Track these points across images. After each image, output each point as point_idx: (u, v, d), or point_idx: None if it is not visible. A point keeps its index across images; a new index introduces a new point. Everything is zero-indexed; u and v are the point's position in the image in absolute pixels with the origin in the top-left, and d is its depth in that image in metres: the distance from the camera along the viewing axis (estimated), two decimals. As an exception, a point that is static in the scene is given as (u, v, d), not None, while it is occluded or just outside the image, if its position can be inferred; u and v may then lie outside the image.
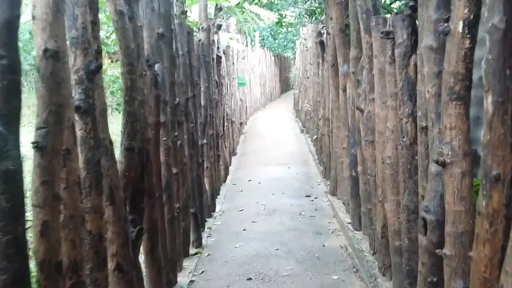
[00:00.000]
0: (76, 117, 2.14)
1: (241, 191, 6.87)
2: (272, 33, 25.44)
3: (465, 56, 2.23)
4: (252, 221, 5.37)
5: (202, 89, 5.67)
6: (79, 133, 2.18)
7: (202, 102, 5.63)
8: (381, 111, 3.54)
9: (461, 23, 2.21)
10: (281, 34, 25.51)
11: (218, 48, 7.50)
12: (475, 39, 2.23)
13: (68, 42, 2.13)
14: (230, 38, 9.56)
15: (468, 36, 2.20)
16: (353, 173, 4.83)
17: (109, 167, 2.47)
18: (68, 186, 1.99)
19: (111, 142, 2.52)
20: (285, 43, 26.02)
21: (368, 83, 3.92)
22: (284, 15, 12.95)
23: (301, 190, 6.73)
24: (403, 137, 3.04)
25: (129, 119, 2.80)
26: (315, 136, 9.36)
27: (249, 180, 7.46)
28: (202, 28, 6.01)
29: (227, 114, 8.56)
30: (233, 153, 9.65)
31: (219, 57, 7.40)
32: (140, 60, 2.95)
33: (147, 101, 3.14)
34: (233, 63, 10.07)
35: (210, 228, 5.23)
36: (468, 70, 2.26)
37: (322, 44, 8.12)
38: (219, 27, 7.25)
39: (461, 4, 2.20)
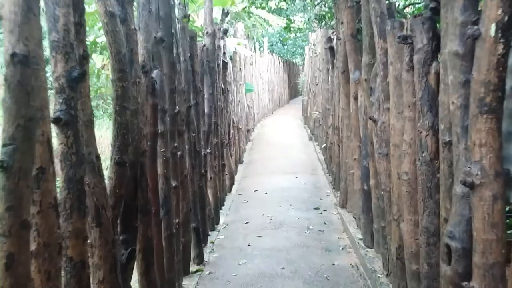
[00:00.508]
0: (56, 130, 1.90)
1: (247, 202, 6.60)
2: (281, 38, 25.24)
3: (498, 64, 1.96)
4: (257, 236, 5.09)
5: (205, 96, 5.43)
6: (59, 148, 1.93)
7: (206, 110, 5.39)
8: (397, 122, 3.26)
9: (493, 26, 1.94)
10: (290, 40, 25.30)
11: (224, 53, 7.27)
12: (510, 43, 1.96)
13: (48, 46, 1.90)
14: (238, 44, 9.34)
15: (501, 40, 1.93)
16: (365, 187, 4.54)
17: (95, 185, 2.22)
18: (42, 210, 1.74)
19: (98, 157, 2.27)
20: (294, 49, 25.77)
21: (383, 91, 3.64)
22: (292, 20, 12.71)
23: (309, 202, 6.45)
24: (423, 152, 2.75)
25: (120, 130, 2.55)
26: (324, 145, 9.08)
27: (255, 190, 7.20)
28: (207, 33, 5.78)
29: (233, 121, 8.32)
30: (239, 161, 9.39)
31: (225, 63, 7.16)
32: (133, 66, 2.70)
33: (142, 110, 2.89)
34: (240, 69, 9.85)
35: (213, 243, 4.97)
36: (501, 79, 1.99)
37: (332, 50, 7.86)
38: (225, 32, 7.02)
39: (493, 4, 1.93)
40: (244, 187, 7.55)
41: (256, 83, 15.27)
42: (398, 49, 3.25)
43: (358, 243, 4.61)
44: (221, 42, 6.97)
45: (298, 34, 13.44)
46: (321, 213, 5.92)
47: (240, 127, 9.69)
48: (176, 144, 3.85)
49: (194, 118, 4.72)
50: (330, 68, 8.18)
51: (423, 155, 2.76)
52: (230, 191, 7.20)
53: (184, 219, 4.10)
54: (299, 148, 11.05)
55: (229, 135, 7.59)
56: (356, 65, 4.98)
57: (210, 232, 5.27)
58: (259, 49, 17.43)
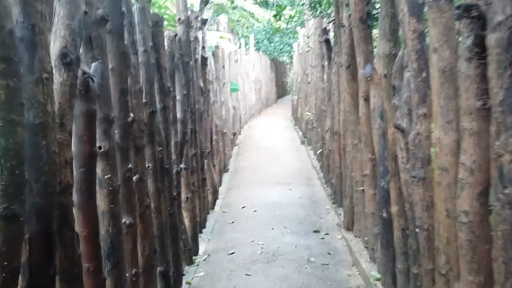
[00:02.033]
0: None
1: (233, 222, 5.55)
2: (267, 36, 24.21)
3: None
4: (246, 274, 4.04)
5: (178, 98, 4.35)
6: None
7: (179, 115, 4.31)
8: (446, 135, 2.25)
9: None
10: (278, 35, 24.29)
11: (203, 47, 6.21)
12: None
13: None
14: (220, 37, 8.27)
15: None
16: (384, 214, 3.52)
17: None
18: None
19: None
20: (281, 46, 24.80)
21: (417, 90, 2.62)
22: (283, 7, 11.60)
23: (307, 223, 5.41)
24: (504, 187, 1.74)
25: (5, 162, 1.49)
26: (320, 150, 8.06)
27: (242, 207, 6.14)
28: (180, 20, 4.71)
29: (216, 125, 7.25)
30: (224, 169, 8.33)
31: (204, 58, 6.09)
32: (36, 53, 1.64)
33: (60, 123, 1.84)
34: (224, 66, 8.78)
35: (190, 284, 3.91)
36: None
37: (328, 43, 6.85)
38: (204, 22, 5.96)
39: None
40: (229, 202, 6.49)
41: (242, 82, 14.21)
42: (446, 29, 2.25)
43: (375, 285, 3.59)
44: (199, 34, 5.90)
45: (289, 25, 12.32)
46: (323, 238, 4.89)
47: (225, 131, 8.62)
48: (130, 166, 2.78)
49: (161, 127, 3.66)
50: (326, 64, 7.16)
51: (505, 191, 1.74)
52: (213, 208, 6.14)
53: (145, 265, 3.03)
54: (291, 154, 10.02)
55: (211, 142, 6.53)
56: (367, 58, 3.97)
57: (186, 268, 4.21)
58: (245, 46, 16.38)
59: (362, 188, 4.40)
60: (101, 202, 2.47)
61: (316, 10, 6.89)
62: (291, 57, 24.47)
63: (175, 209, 3.88)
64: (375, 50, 4.03)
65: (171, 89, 3.94)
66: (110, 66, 2.64)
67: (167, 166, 3.69)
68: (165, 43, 4.08)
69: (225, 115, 8.85)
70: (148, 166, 3.30)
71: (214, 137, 6.87)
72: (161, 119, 3.72)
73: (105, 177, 2.46)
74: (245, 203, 6.29)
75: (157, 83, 3.67)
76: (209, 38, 7.58)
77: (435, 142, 2.38)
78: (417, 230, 2.74)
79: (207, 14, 9.74)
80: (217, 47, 8.07)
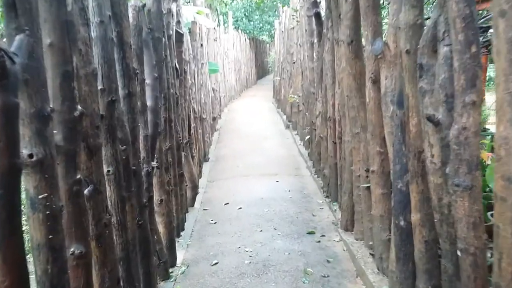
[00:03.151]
0: None
1: (215, 223, 4.88)
2: (247, 14, 23.31)
3: None
4: (233, 292, 3.40)
5: (148, 82, 3.61)
6: None
7: (149, 103, 3.57)
8: (518, 134, 1.61)
9: None
10: (257, 15, 23.41)
11: (178, 22, 5.43)
12: None
13: None
14: (197, 13, 7.45)
15: None
16: (401, 222, 2.90)
17: None
18: None
19: None
20: (261, 25, 23.96)
21: (463, 71, 1.96)
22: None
23: (299, 222, 4.78)
24: None
25: None
26: (308, 137, 7.42)
27: (225, 204, 5.47)
28: (148, -14, 3.93)
29: (194, 111, 6.51)
30: (204, 158, 7.63)
31: (180, 35, 5.32)
32: None
33: None
34: (202, 44, 7.98)
35: (166, 306, 3.25)
36: None
37: (318, 17, 6.16)
38: (179, -9, 5.16)
39: None
40: (210, 197, 5.81)
41: (222, 62, 13.41)
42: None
43: (389, 305, 3.00)
44: (173, 6, 5.11)
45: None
46: (319, 241, 4.27)
47: (204, 116, 7.88)
48: (79, 176, 2.06)
49: (125, 119, 2.93)
50: (315, 41, 6.46)
51: None
52: (192, 205, 5.46)
53: (106, 300, 2.35)
54: (276, 139, 9.36)
55: (190, 131, 5.80)
56: (377, 31, 3.29)
57: (161, 284, 3.55)
58: (224, 25, 15.51)
59: (367, 185, 3.78)
60: (36, 232, 1.78)
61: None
62: (271, 36, 23.69)
63: (145, 218, 3.18)
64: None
65: (137, 71, 3.19)
66: (47, 41, 1.92)
67: (134, 168, 2.98)
68: (130, 14, 3.32)
69: (204, 99, 8.10)
70: (109, 171, 2.59)
71: (193, 124, 6.14)
72: (125, 109, 2.99)
73: (40, 196, 1.76)
74: (228, 199, 5.62)
75: (119, 64, 2.93)
76: (185, 12, 6.77)
77: (496, 142, 1.74)
78: (458, 253, 2.12)
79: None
80: (194, 22, 7.27)
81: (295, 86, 9.48)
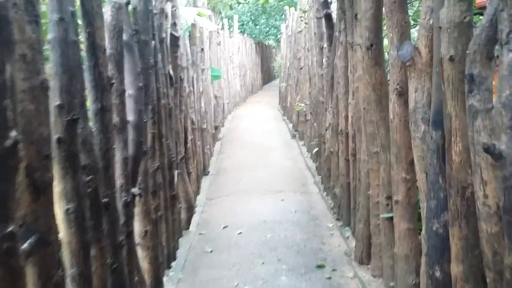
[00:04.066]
0: None
1: (211, 251, 4.30)
2: (253, 18, 22.82)
3: None
4: None
5: (130, 92, 3.05)
6: None
7: (130, 118, 3.01)
8: None
9: None
10: (263, 19, 22.92)
11: (174, 24, 4.89)
12: None
13: None
14: (198, 15, 6.90)
15: None
16: (437, 272, 2.31)
17: None
18: None
19: None
20: (267, 29, 23.46)
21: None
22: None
23: (307, 251, 4.19)
24: None
25: None
26: (316, 149, 6.85)
27: (224, 227, 4.89)
28: (134, -19, 3.39)
29: (192, 122, 5.96)
30: (204, 172, 7.07)
31: (175, 38, 4.78)
32: None
33: None
34: (203, 49, 7.44)
35: None
36: None
37: (329, 18, 5.60)
38: (174, -11, 4.63)
39: None
40: (208, 218, 5.24)
41: (226, 67, 12.89)
42: None
43: None
44: (168, 6, 4.58)
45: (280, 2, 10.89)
46: (330, 278, 3.68)
47: (205, 126, 7.33)
48: (11, 228, 1.50)
49: (95, 140, 2.38)
50: (325, 45, 5.91)
51: None
52: (187, 228, 4.90)
53: None
54: (281, 150, 8.77)
55: (186, 145, 5.24)
56: (404, 32, 2.73)
57: (144, 333, 2.98)
58: (229, 29, 15.00)
59: (388, 215, 3.20)
60: None
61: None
62: (278, 41, 23.16)
63: (122, 260, 2.61)
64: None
65: (113, 81, 2.64)
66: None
67: (106, 200, 2.42)
68: (108, 13, 2.78)
69: (204, 107, 7.55)
70: (68, 209, 2.03)
71: (190, 137, 5.59)
72: (96, 129, 2.44)
73: None
74: (227, 221, 5.04)
75: (90, 73, 2.38)
76: (184, 14, 6.24)
77: None
78: None
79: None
80: (194, 25, 6.74)
81: (302, 93, 8.92)
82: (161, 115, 3.92)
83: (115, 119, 2.73)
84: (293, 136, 9.88)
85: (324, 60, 6.00)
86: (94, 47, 2.41)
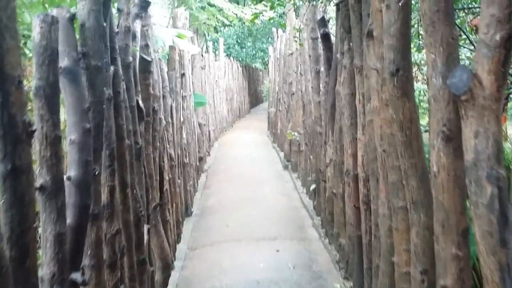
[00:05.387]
0: None
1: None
2: (239, 41, 22.25)
3: None
4: None
5: (72, 138, 2.21)
6: None
7: (72, 173, 2.15)
8: None
9: None
10: (249, 41, 22.36)
11: (146, 46, 4.11)
12: None
13: None
14: (178, 36, 6.14)
15: None
16: None
17: None
18: None
19: None
20: (254, 52, 22.88)
21: None
22: (260, 11, 9.66)
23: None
24: None
25: None
26: (314, 186, 6.04)
27: (208, 290, 4.01)
28: (83, -10, 2.58)
29: (171, 158, 5.12)
30: (186, 213, 6.20)
31: (146, 62, 3.99)
32: None
33: None
34: (184, 74, 6.65)
35: None
36: None
37: (326, 38, 4.87)
38: (144, 5, 3.85)
39: None
40: (189, 278, 4.34)
41: (212, 92, 12.14)
42: None
43: None
44: (136, 24, 3.79)
45: (271, 20, 10.27)
46: None
47: (187, 161, 6.48)
48: None
49: (5, 219, 1.54)
50: (322, 69, 5.18)
51: None
52: (163, 291, 4.00)
53: None
54: (273, 183, 7.94)
55: (162, 188, 4.39)
56: (452, 53, 1.95)
57: None
58: (214, 52, 14.32)
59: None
60: None
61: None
62: (265, 64, 22.57)
63: None
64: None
65: (33, 128, 1.80)
66: None
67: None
68: (37, 29, 1.98)
69: (187, 138, 6.73)
70: None
71: (168, 177, 4.74)
72: (6, 200, 1.60)
73: None
74: (212, 282, 4.15)
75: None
76: (161, 34, 5.48)
77: None
78: None
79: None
80: (172, 48, 5.97)
81: (295, 121, 8.16)
82: (124, 159, 3.08)
83: (43, 179, 1.89)
84: (285, 167, 9.06)
85: (321, 85, 5.26)
86: (2, 79, 1.59)
